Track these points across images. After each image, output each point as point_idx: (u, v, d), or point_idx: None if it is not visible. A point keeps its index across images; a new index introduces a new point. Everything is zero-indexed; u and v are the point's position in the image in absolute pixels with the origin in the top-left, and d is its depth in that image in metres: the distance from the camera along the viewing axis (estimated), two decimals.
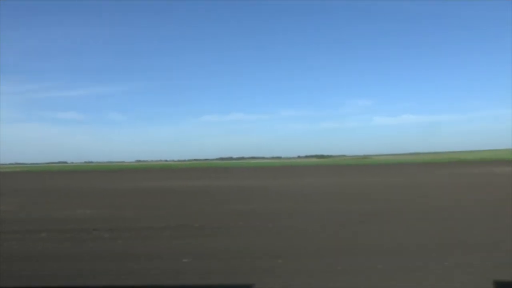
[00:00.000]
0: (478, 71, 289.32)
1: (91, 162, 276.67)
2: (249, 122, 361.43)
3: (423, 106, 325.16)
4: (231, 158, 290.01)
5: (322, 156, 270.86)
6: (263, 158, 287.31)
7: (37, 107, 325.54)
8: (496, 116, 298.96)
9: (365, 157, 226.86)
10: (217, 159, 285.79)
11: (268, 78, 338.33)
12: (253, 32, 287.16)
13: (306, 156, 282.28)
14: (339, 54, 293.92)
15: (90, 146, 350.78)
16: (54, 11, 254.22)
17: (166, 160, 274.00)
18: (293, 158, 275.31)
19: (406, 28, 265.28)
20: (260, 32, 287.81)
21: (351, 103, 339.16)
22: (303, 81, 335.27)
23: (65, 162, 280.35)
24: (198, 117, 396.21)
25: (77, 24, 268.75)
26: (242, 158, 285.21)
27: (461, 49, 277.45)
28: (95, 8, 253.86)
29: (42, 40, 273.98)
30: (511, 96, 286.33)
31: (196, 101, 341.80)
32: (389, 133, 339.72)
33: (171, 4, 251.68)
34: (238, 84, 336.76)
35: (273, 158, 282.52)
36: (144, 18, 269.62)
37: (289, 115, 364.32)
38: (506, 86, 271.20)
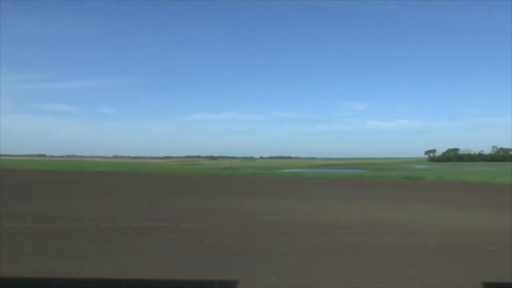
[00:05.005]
0: (477, 77, 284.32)
1: (74, 155, 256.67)
2: (241, 121, 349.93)
3: (418, 111, 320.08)
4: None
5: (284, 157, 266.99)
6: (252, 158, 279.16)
7: (26, 98, 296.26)
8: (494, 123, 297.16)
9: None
10: (206, 157, 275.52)
11: (262, 78, 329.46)
12: (248, 31, 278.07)
13: (276, 157, 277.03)
14: (335, 57, 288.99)
15: (74, 139, 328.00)
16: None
17: (142, 157, 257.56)
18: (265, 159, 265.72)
19: (402, 31, 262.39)
20: (255, 32, 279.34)
21: (345, 107, 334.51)
22: (297, 82, 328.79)
23: (44, 155, 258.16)
24: (189, 115, 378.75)
25: (71, 14, 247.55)
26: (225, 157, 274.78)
27: (458, 54, 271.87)
28: None
29: (35, 29, 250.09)
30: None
31: (189, 99, 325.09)
32: (383, 137, 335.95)
33: (167, 1, 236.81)
34: (231, 83, 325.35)
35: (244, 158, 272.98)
36: (140, 12, 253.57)
37: (282, 116, 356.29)
38: (506, 93, 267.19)
